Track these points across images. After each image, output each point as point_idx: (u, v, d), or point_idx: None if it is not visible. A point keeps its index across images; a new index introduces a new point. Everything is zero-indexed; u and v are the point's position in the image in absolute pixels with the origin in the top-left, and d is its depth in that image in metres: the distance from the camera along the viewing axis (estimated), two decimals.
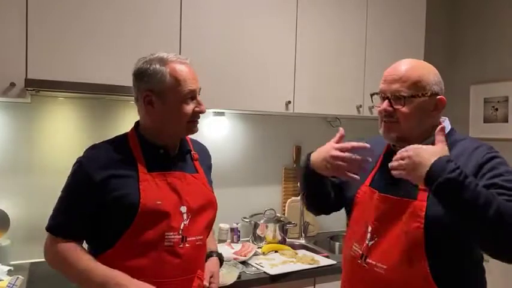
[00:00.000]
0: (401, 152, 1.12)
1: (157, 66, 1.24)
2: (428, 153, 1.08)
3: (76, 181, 1.24)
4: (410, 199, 1.21)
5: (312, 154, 1.37)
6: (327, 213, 1.51)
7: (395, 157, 1.14)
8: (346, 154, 1.23)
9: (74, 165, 1.26)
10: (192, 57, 1.86)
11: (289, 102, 2.18)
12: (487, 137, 2.88)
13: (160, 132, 1.29)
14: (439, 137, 1.13)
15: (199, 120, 1.33)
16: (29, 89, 1.62)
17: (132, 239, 1.19)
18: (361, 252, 1.28)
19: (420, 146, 1.11)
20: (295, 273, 1.91)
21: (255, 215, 2.40)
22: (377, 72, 2.51)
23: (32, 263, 1.90)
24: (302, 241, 2.47)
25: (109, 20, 1.75)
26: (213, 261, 1.43)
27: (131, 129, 1.34)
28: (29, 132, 1.95)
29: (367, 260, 1.26)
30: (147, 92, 1.24)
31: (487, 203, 1.01)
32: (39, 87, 1.62)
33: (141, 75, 1.25)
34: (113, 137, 1.34)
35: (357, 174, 1.24)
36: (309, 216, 2.52)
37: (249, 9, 2.07)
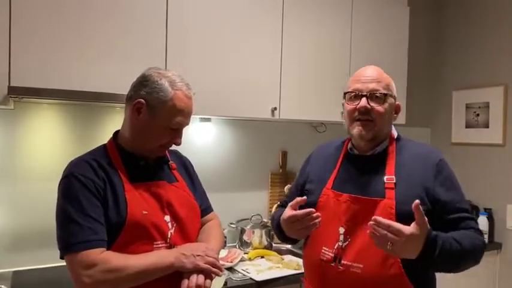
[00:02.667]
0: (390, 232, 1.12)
1: (166, 85, 1.23)
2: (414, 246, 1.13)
3: (81, 188, 1.16)
4: (380, 198, 1.27)
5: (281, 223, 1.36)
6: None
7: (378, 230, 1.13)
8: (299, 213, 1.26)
9: (65, 180, 1.19)
10: (179, 64, 1.89)
11: (275, 108, 2.19)
12: (469, 142, 2.95)
13: (136, 142, 1.28)
14: (419, 217, 1.12)
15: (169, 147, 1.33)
16: (12, 96, 1.60)
17: (121, 250, 1.17)
18: (333, 254, 1.30)
19: (409, 235, 1.11)
20: (282, 279, 1.92)
21: (242, 220, 2.41)
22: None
23: (14, 271, 1.87)
24: (288, 246, 2.47)
25: (93, 27, 1.74)
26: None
27: (109, 141, 1.33)
28: (12, 139, 1.92)
29: (342, 261, 1.28)
30: (141, 99, 1.24)
31: (465, 256, 1.20)
32: (22, 94, 1.60)
33: (146, 82, 1.24)
34: (93, 148, 1.31)
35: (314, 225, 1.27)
36: None
37: (235, 17, 2.08)
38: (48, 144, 1.99)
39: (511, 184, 2.74)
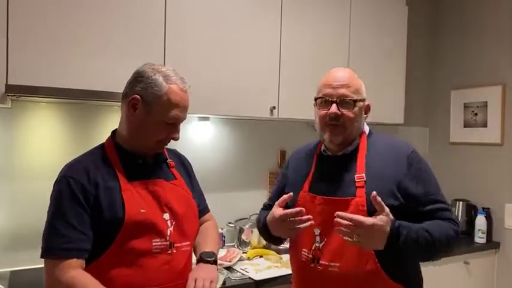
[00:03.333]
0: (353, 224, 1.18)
1: (160, 79, 1.23)
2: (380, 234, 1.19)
3: (69, 194, 1.18)
4: (350, 197, 1.29)
5: (268, 223, 1.40)
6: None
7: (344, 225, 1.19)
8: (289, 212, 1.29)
9: (58, 182, 1.21)
10: (177, 63, 1.88)
11: (274, 107, 2.19)
12: (467, 141, 2.96)
13: (133, 140, 1.28)
14: (379, 208, 1.19)
15: (168, 143, 1.33)
16: (9, 94, 1.59)
17: (120, 248, 1.18)
18: (311, 256, 1.33)
19: (371, 226, 1.17)
20: (280, 278, 1.91)
21: (240, 220, 2.41)
22: (360, 77, 2.54)
23: (12, 271, 1.87)
24: (287, 245, 2.46)
25: (92, 25, 1.73)
26: (200, 266, 1.32)
27: (107, 139, 1.33)
28: (10, 138, 1.91)
29: (320, 261, 1.31)
30: (136, 95, 1.24)
31: (437, 243, 1.23)
32: (20, 92, 1.60)
33: (141, 78, 1.25)
34: (92, 147, 1.32)
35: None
36: None
37: (234, 15, 2.08)
38: (46, 143, 1.98)
39: (509, 183, 2.74)
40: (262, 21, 2.16)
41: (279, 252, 2.28)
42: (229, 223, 2.38)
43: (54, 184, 1.22)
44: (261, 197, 2.59)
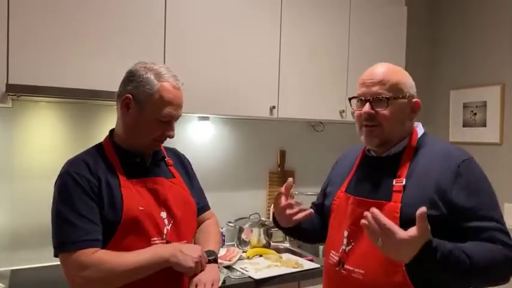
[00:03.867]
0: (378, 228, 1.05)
1: (151, 78, 1.24)
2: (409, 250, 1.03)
3: (76, 187, 1.17)
4: (384, 201, 1.20)
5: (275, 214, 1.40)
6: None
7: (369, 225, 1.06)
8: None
9: (61, 178, 1.20)
10: (177, 63, 1.89)
11: (274, 107, 2.19)
12: (466, 141, 2.96)
13: (130, 139, 1.29)
14: (420, 226, 1.02)
15: (165, 140, 1.34)
16: (10, 94, 1.60)
17: (118, 246, 1.18)
18: (338, 258, 1.27)
19: (401, 240, 1.02)
20: (280, 277, 1.92)
21: (240, 219, 2.41)
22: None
23: (12, 270, 1.87)
24: (286, 244, 2.48)
25: (92, 25, 1.73)
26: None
27: (105, 139, 1.33)
28: (10, 138, 1.91)
29: (345, 266, 1.24)
30: (128, 95, 1.24)
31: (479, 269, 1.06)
32: (20, 92, 1.60)
33: (133, 77, 1.25)
34: (90, 146, 1.32)
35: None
36: None
37: (234, 15, 2.08)
38: (46, 143, 1.98)
39: (508, 183, 2.75)
40: (262, 21, 2.17)
41: (278, 251, 2.28)
42: (229, 222, 2.38)
43: (56, 181, 1.21)
44: (260, 196, 2.60)
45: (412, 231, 1.01)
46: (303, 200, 2.61)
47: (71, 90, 1.67)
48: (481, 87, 2.90)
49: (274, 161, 2.65)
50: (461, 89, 3.02)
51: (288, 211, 1.31)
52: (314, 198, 2.67)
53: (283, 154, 2.66)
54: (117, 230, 1.18)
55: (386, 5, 2.61)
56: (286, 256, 2.21)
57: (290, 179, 1.34)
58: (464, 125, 2.99)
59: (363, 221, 1.07)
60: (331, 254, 1.31)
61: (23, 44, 1.61)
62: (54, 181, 1.22)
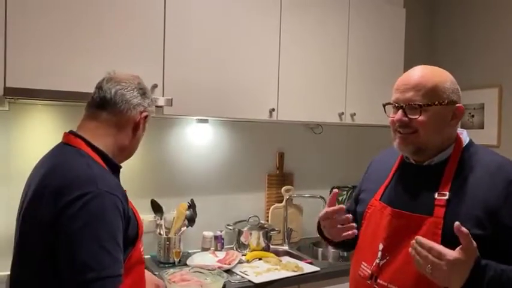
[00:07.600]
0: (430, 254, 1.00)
1: (151, 97, 1.32)
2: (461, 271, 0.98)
3: (116, 213, 1.06)
4: (425, 215, 1.12)
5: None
6: None
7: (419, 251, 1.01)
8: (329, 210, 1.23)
9: (99, 197, 1.04)
10: (176, 65, 1.88)
11: (273, 109, 2.19)
12: None
13: (128, 153, 1.29)
14: (465, 242, 0.97)
15: None
16: (7, 97, 1.58)
17: (129, 260, 1.16)
18: (370, 272, 1.19)
19: (452, 260, 0.97)
20: (280, 281, 1.91)
21: (239, 222, 2.40)
22: (358, 80, 2.55)
23: (10, 275, 1.84)
24: (286, 247, 2.47)
25: (90, 27, 1.72)
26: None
27: (86, 151, 1.23)
28: (7, 141, 1.89)
29: (378, 280, 1.17)
30: (147, 110, 1.27)
31: None
32: (18, 95, 1.59)
33: (147, 94, 1.28)
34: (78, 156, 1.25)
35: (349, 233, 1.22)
36: (292, 223, 2.54)
37: (233, 18, 2.07)
38: (43, 146, 1.95)
39: None
40: (261, 23, 2.16)
41: (277, 254, 2.27)
42: (228, 225, 2.37)
43: (94, 198, 1.04)
44: (259, 199, 2.59)
45: (459, 249, 0.96)
46: (301, 202, 2.63)
47: (68, 93, 1.66)
48: (478, 90, 2.91)
49: (273, 163, 2.64)
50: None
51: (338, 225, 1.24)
52: (312, 201, 2.65)
53: (281, 156, 2.65)
54: (134, 245, 1.17)
55: (385, 7, 2.61)
56: (285, 259, 2.20)
57: (336, 190, 1.27)
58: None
59: (410, 249, 1.02)
60: (362, 266, 1.23)
61: (20, 47, 1.59)
62: (88, 196, 1.04)
